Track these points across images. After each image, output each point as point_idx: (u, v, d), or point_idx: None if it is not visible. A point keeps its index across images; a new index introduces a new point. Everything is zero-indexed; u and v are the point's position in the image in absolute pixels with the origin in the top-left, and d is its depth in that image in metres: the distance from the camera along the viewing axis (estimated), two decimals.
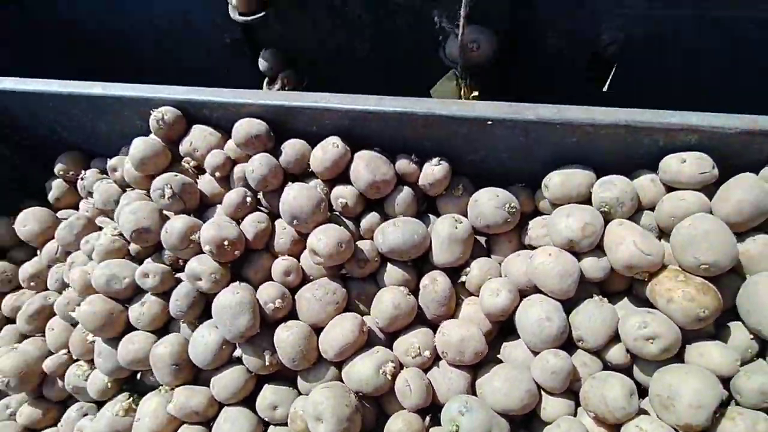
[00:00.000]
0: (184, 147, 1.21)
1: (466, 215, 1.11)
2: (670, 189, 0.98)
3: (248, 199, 1.13)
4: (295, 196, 1.05)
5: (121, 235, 1.19)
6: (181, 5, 1.40)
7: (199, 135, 1.20)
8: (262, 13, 1.29)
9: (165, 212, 1.15)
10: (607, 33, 1.15)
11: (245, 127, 1.11)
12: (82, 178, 1.44)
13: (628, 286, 1.01)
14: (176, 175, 1.13)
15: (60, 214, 1.47)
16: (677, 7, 1.08)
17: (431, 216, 1.18)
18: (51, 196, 1.50)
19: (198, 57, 1.53)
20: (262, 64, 1.47)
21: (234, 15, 1.31)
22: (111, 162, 1.35)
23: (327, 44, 1.43)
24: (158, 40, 1.50)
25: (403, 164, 1.12)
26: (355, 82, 1.48)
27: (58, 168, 1.48)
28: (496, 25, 1.22)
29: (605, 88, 1.32)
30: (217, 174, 1.17)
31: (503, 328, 1.07)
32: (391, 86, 1.48)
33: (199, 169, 1.25)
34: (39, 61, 1.59)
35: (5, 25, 1.49)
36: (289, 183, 1.12)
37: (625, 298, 1.00)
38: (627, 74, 1.25)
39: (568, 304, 0.97)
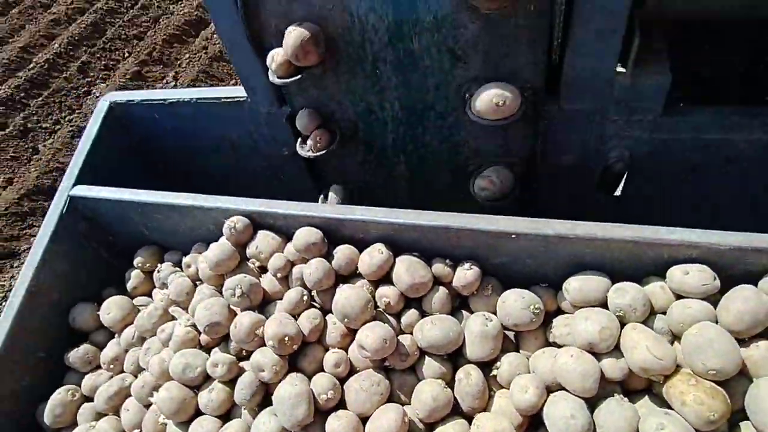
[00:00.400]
0: (250, 250, 1.41)
1: (495, 313, 1.25)
2: (679, 296, 1.10)
3: (305, 298, 1.31)
4: (346, 297, 1.23)
5: (194, 326, 1.38)
6: (249, 127, 1.67)
7: (264, 240, 1.40)
8: (299, 76, 1.43)
9: (233, 308, 1.34)
10: (614, 152, 1.32)
11: (304, 235, 1.31)
12: (158, 271, 1.67)
13: (647, 384, 1.11)
14: (245, 277, 1.33)
15: (136, 301, 1.69)
16: (676, 132, 1.25)
17: (464, 312, 1.32)
18: (129, 285, 1.73)
19: (260, 165, 1.79)
20: (298, 124, 1.59)
21: (273, 78, 1.45)
22: (186, 260, 1.57)
23: (358, 105, 1.55)
24: (229, 153, 1.77)
25: (439, 268, 1.29)
26: (385, 140, 1.64)
27: (138, 261, 1.71)
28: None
29: (618, 192, 1.48)
30: (278, 275, 1.37)
31: (533, 421, 1.17)
32: (418, 142, 1.63)
33: (263, 269, 1.45)
34: (126, 169, 1.88)
35: (102, 143, 1.79)
36: (341, 285, 1.29)
37: (646, 396, 1.09)
38: (635, 183, 1.41)
39: (593, 401, 1.07)
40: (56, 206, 1.65)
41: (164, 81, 5.37)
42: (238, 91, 1.59)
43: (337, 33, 1.38)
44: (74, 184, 1.67)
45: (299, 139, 1.65)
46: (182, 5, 6.71)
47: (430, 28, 1.30)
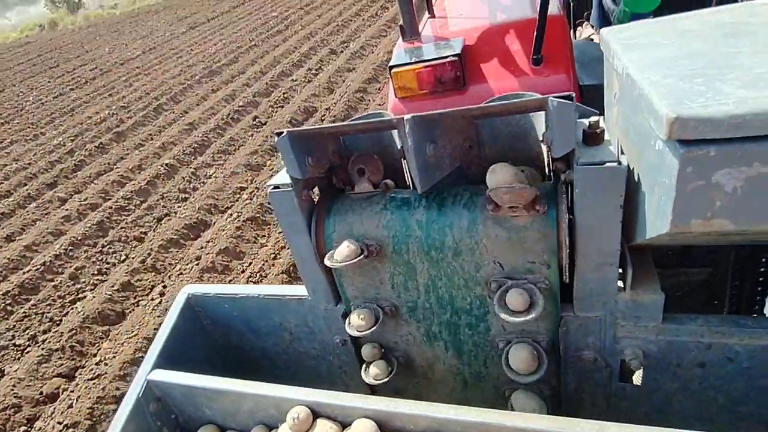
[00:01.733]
0: None
1: None
2: None
3: None
4: None
5: None
6: (307, 318, 1.95)
7: (323, 429, 1.57)
8: (372, 328, 1.70)
9: None
10: (628, 350, 1.53)
11: (360, 429, 1.48)
12: None
13: None
14: None
15: None
16: (678, 335, 1.47)
17: None
18: None
19: (313, 347, 2.03)
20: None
21: (351, 331, 1.69)
22: None
23: (385, 289, 1.75)
24: (285, 337, 2.03)
25: None
26: (416, 317, 1.78)
27: None
28: None
29: (638, 383, 1.64)
30: None
31: None
32: (453, 326, 1.75)
33: None
34: (193, 345, 2.12)
35: (177, 329, 2.06)
36: None
37: None
38: (651, 376, 1.58)
39: None
40: (134, 390, 1.87)
41: (150, 296, 5.19)
42: (300, 290, 1.89)
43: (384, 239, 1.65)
44: (152, 368, 1.91)
45: (347, 319, 1.81)
46: (186, 206, 6.74)
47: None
